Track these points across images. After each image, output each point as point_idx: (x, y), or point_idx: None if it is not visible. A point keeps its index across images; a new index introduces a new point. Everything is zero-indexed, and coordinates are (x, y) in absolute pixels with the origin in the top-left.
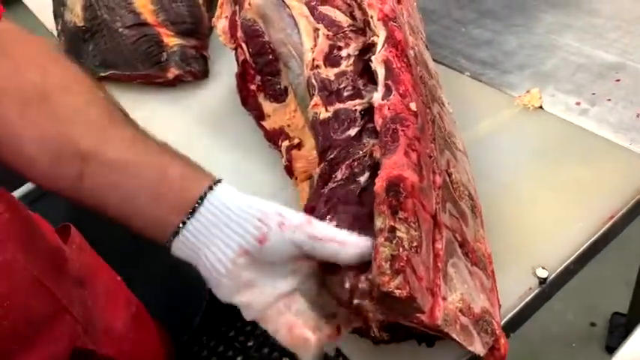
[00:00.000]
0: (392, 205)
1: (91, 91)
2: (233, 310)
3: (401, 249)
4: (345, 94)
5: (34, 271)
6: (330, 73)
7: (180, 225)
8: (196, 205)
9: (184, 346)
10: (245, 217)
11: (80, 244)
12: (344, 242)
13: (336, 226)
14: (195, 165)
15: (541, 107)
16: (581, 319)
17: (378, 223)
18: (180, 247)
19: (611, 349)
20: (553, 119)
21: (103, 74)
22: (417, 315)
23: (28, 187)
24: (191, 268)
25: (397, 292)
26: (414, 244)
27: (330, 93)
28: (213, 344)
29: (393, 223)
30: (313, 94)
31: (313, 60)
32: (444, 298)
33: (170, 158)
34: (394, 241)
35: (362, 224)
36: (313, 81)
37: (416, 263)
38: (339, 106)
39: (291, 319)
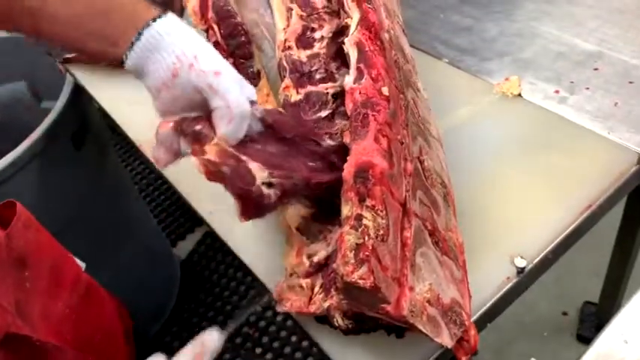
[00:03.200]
0: (359, 192)
1: None
2: (204, 302)
3: (366, 237)
4: (317, 76)
5: None
6: (302, 54)
7: (130, 46)
8: (142, 30)
9: (156, 336)
10: (171, 49)
11: (26, 221)
12: (229, 106)
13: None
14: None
15: (520, 95)
16: (552, 308)
17: (345, 210)
18: (131, 65)
19: (583, 338)
20: (532, 107)
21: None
22: (383, 306)
23: None
24: (164, 260)
25: (361, 282)
26: (381, 232)
27: (301, 75)
28: (185, 335)
29: (359, 211)
30: (284, 76)
31: (285, 41)
32: (411, 289)
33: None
34: (360, 229)
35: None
36: (284, 63)
37: (382, 252)
38: (310, 88)
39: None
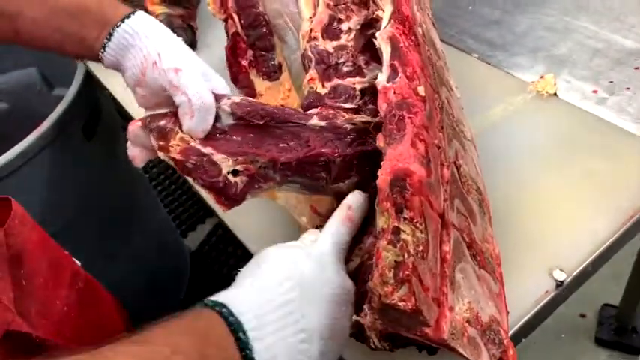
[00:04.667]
0: (396, 202)
1: None
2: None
3: (406, 254)
4: (345, 69)
5: None
6: (328, 45)
7: (102, 47)
8: (112, 31)
9: None
10: (139, 48)
11: (21, 218)
12: (189, 100)
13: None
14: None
15: (555, 94)
16: (570, 309)
17: (381, 222)
18: (109, 64)
19: (601, 341)
20: (569, 108)
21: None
22: (422, 328)
23: (4, 159)
24: (174, 251)
25: (401, 305)
26: (420, 248)
27: (327, 67)
28: None
29: (397, 224)
30: (309, 67)
31: (311, 31)
32: (451, 309)
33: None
34: (398, 245)
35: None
36: (309, 53)
37: (422, 270)
38: (337, 81)
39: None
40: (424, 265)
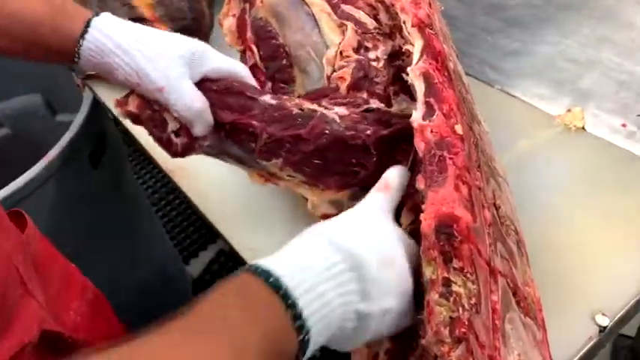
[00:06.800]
0: (444, 251)
1: None
2: None
3: (460, 309)
4: (377, 90)
5: (8, 251)
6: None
7: (74, 60)
8: (78, 46)
9: None
10: (115, 66)
11: (33, 230)
12: (183, 116)
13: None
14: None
15: (583, 128)
16: None
17: (428, 272)
18: (85, 67)
19: None
20: (599, 142)
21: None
22: None
23: (11, 187)
24: (176, 279)
25: None
26: (473, 300)
27: (365, 76)
28: None
29: (446, 274)
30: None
31: (341, 52)
32: None
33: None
34: (451, 299)
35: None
36: (344, 63)
37: (477, 326)
38: (365, 97)
39: None
40: (478, 319)
